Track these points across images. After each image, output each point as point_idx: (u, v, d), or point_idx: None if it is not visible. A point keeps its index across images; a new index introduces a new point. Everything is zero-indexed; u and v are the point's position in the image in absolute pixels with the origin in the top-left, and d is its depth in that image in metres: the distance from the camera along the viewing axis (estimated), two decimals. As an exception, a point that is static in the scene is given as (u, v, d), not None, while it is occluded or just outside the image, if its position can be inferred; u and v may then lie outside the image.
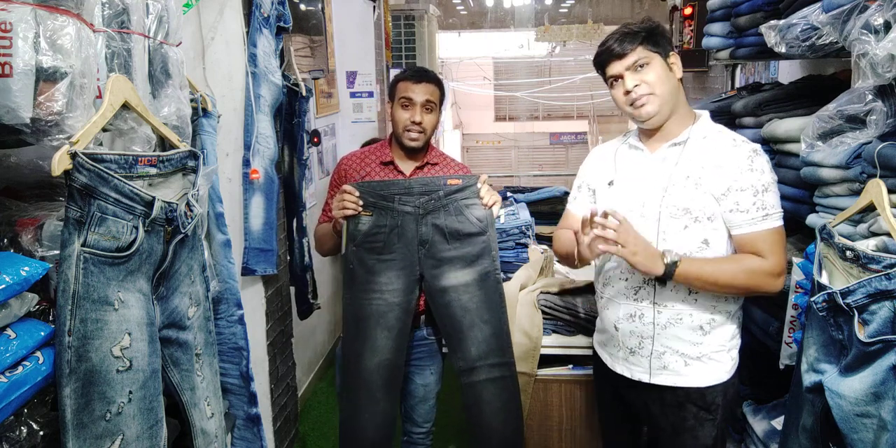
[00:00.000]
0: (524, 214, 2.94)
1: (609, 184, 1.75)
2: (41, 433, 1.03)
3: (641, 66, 1.59)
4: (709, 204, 1.58)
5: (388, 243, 1.89)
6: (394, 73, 5.32)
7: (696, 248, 1.61)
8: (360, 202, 1.87)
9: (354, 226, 1.89)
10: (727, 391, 1.68)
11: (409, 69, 2.10)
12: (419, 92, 2.00)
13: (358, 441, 1.98)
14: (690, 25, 4.28)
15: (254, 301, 2.36)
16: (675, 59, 1.63)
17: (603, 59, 1.65)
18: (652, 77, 1.59)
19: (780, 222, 1.59)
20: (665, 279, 1.57)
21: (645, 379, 1.69)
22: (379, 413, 1.95)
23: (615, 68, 1.62)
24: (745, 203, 1.56)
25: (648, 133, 1.70)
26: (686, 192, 1.60)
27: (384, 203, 1.88)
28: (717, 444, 1.69)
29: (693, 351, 1.65)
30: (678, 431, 1.69)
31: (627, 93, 1.61)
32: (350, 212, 1.87)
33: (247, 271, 2.27)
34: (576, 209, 1.85)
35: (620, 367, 1.75)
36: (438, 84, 2.05)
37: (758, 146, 1.63)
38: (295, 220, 2.61)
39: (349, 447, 2.01)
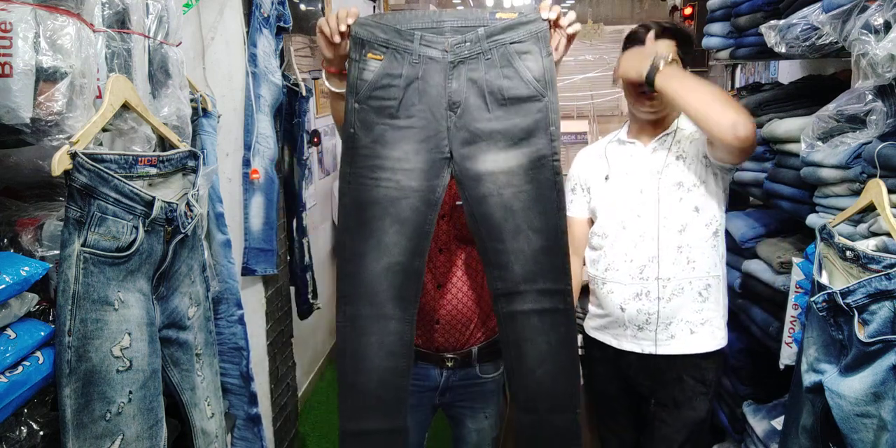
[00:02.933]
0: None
1: (605, 178, 1.86)
2: (41, 433, 1.03)
3: (673, 59, 1.67)
4: (698, 168, 1.73)
5: (404, 102, 1.35)
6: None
7: (689, 216, 1.74)
8: (350, 20, 1.34)
9: (358, 72, 1.36)
10: (717, 364, 1.82)
11: None
12: None
13: (363, 374, 1.41)
14: (690, 25, 4.29)
15: (254, 301, 2.36)
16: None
17: (643, 33, 1.75)
18: None
19: None
20: (651, 76, 1.60)
21: (654, 351, 1.79)
22: (390, 334, 1.40)
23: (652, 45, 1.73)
24: None
25: (640, 129, 1.82)
26: (678, 168, 1.75)
27: (399, 42, 1.33)
28: (708, 415, 1.85)
29: (696, 318, 1.77)
30: (679, 404, 1.81)
31: None
32: (327, 28, 1.35)
33: (247, 271, 2.27)
34: (575, 213, 1.93)
35: (629, 345, 1.83)
36: None
37: None
38: (295, 220, 2.61)
39: (351, 391, 1.43)
